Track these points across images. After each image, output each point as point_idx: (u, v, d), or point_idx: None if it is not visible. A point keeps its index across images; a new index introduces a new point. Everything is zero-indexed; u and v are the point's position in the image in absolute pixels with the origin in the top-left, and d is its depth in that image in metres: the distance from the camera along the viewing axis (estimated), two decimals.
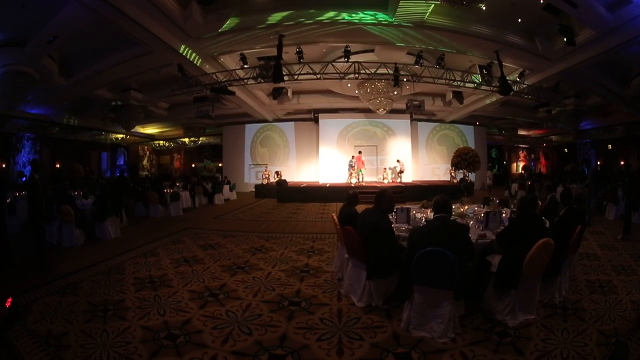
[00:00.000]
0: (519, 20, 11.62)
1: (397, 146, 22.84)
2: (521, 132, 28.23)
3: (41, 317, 4.37)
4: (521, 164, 30.20)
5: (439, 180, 22.87)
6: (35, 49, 11.57)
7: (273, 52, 12.32)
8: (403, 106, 17.75)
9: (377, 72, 14.01)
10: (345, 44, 12.78)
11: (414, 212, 6.05)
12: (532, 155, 30.78)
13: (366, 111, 21.18)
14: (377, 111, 19.05)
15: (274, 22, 11.17)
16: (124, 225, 10.73)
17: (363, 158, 19.54)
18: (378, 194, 4.92)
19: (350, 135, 23.45)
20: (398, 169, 20.99)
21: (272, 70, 12.69)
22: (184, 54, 12.47)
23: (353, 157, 19.97)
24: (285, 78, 13.34)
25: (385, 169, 21.24)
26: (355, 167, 19.40)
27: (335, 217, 5.92)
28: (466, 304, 4.30)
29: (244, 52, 13.26)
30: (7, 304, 4.29)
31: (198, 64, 13.50)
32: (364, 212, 5.02)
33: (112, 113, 19.01)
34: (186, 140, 28.44)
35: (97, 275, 6.05)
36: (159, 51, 12.17)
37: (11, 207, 9.87)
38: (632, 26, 10.07)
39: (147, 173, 27.31)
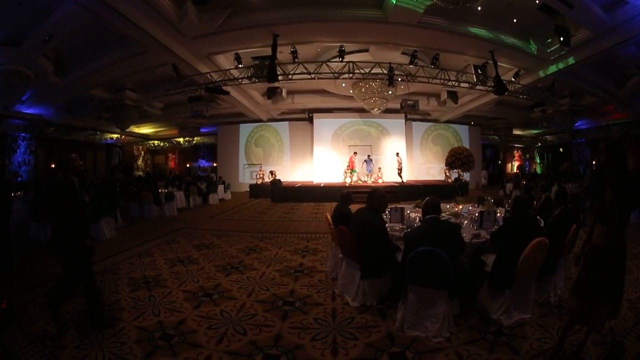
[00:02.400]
0: (515, 20, 11.63)
1: (391, 146, 22.77)
2: (516, 132, 28.31)
3: (37, 317, 4.37)
4: (516, 164, 30.27)
5: (434, 180, 22.83)
6: (30, 48, 11.50)
7: (267, 51, 12.27)
8: (397, 106, 17.76)
9: (372, 71, 13.98)
10: (339, 44, 12.75)
11: (408, 211, 6.05)
12: (527, 155, 30.86)
13: (360, 111, 21.05)
14: (372, 111, 18.98)
15: (268, 21, 11.11)
16: (119, 225, 10.68)
17: (355, 159, 19.58)
18: (369, 193, 4.97)
19: (344, 135, 23.40)
20: (396, 166, 19.97)
21: (266, 70, 12.65)
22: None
23: (369, 156, 20.45)
24: (280, 78, 13.28)
25: (379, 168, 21.20)
26: (349, 167, 19.43)
27: (329, 217, 5.92)
28: (461, 303, 4.32)
29: (238, 51, 13.22)
30: (3, 305, 4.26)
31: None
32: (357, 211, 5.07)
33: (107, 113, 18.91)
34: (181, 140, 28.33)
35: None
36: (154, 51, 12.12)
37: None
38: (628, 27, 10.09)
39: (141, 173, 27.18)
